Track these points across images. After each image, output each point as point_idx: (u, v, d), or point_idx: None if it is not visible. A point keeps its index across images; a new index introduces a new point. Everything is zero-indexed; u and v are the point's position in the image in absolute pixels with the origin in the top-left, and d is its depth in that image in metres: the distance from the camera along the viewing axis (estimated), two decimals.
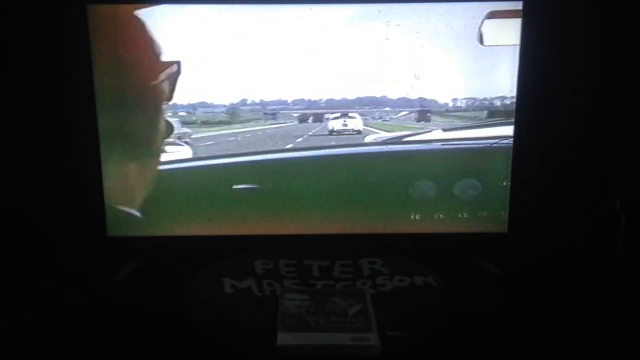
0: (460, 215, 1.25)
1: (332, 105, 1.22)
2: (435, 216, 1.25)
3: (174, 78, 1.17)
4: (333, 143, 1.24)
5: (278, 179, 1.24)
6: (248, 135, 1.23)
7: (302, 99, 1.21)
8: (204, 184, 1.23)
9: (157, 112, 1.19)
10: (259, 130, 1.23)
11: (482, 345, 1.01)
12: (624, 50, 1.22)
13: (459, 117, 1.22)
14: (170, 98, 1.18)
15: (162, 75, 1.16)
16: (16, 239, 1.27)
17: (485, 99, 1.20)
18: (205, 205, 1.24)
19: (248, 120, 1.22)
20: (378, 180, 1.24)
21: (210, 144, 1.23)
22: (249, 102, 1.21)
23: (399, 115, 1.22)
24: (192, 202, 1.23)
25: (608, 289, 0.99)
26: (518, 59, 1.16)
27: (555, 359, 1.01)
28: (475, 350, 0.99)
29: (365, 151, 1.26)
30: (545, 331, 1.05)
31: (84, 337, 1.03)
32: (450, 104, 1.21)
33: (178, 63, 1.16)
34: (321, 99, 1.21)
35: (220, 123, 1.22)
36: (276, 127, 1.23)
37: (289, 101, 1.21)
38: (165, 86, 1.17)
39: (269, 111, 1.21)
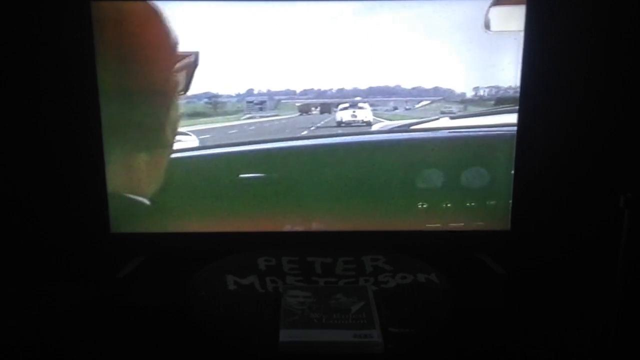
0: (460, 222, 1.24)
1: (344, 95, 1.17)
2: (443, 205, 1.24)
3: (188, 69, 1.15)
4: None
5: (284, 168, 1.23)
6: (228, 133, 1.18)
7: (312, 89, 1.17)
8: (209, 175, 1.23)
9: (165, 102, 1.18)
10: (248, 124, 1.18)
11: (483, 342, 1.01)
12: (630, 42, 1.22)
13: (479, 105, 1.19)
14: (185, 89, 1.16)
15: (175, 66, 1.15)
16: (18, 236, 1.28)
17: (509, 87, 1.18)
18: (209, 199, 1.23)
19: (236, 112, 1.17)
20: (385, 169, 1.23)
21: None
22: (255, 92, 1.18)
23: (418, 105, 1.18)
24: (196, 193, 1.23)
25: (612, 287, 0.99)
26: (522, 45, 1.15)
27: (555, 358, 1.01)
28: (477, 348, 1.00)
29: (372, 139, 1.22)
30: (546, 329, 1.05)
31: (87, 334, 1.03)
32: (471, 93, 1.18)
33: (196, 54, 1.14)
34: (331, 89, 1.17)
35: (197, 115, 1.17)
36: (272, 120, 1.18)
37: (297, 91, 1.18)
38: (177, 77, 1.16)
39: (256, 100, 1.16)
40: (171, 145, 1.20)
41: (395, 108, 1.19)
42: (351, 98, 1.19)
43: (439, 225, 1.25)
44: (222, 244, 1.22)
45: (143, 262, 1.23)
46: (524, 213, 1.23)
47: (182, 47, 1.15)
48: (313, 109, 1.19)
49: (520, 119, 1.18)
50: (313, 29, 1.16)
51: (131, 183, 1.21)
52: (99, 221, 1.21)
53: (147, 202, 1.22)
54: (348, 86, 1.18)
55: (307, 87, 1.18)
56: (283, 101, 1.18)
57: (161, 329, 1.03)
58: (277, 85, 1.18)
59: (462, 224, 1.25)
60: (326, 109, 1.19)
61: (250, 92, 1.18)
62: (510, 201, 1.23)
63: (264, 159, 1.22)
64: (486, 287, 1.16)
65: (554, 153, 1.26)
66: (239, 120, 1.20)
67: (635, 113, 1.25)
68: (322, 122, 1.20)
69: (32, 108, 1.24)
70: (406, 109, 1.19)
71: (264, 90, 1.18)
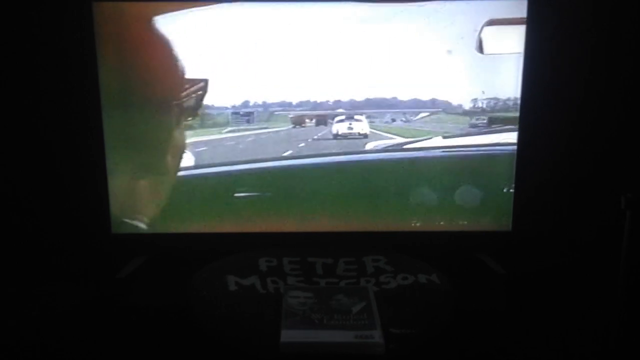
0: (461, 222, 1.24)
1: (341, 107, 1.14)
2: (436, 223, 1.24)
3: (197, 95, 1.13)
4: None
5: (279, 186, 1.22)
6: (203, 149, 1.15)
7: (308, 101, 1.14)
8: (207, 191, 1.22)
9: (167, 119, 1.16)
10: (231, 139, 1.15)
11: (485, 343, 1.01)
12: (628, 52, 1.22)
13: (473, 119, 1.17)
14: (193, 115, 1.13)
15: (183, 92, 1.13)
16: (18, 236, 1.27)
17: (508, 99, 1.16)
18: (209, 206, 1.23)
19: (223, 125, 1.13)
20: (380, 188, 1.22)
21: None
22: (251, 104, 1.15)
23: (417, 117, 1.15)
24: (195, 206, 1.23)
25: (613, 287, 0.99)
26: (522, 65, 1.15)
27: (556, 359, 1.01)
28: (478, 348, 0.99)
29: (368, 158, 1.21)
30: (547, 330, 1.05)
31: (87, 334, 1.03)
32: (470, 106, 1.16)
33: (205, 81, 1.11)
34: (328, 101, 1.14)
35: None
36: (259, 134, 1.13)
37: (293, 103, 1.15)
38: (183, 97, 1.14)
39: (242, 112, 1.12)
40: (166, 164, 1.19)
41: (394, 120, 1.17)
42: (349, 110, 1.16)
43: (440, 225, 1.26)
44: (223, 245, 1.22)
45: (144, 263, 1.23)
46: (525, 213, 1.23)
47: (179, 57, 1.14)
48: (307, 121, 1.16)
49: (521, 119, 1.18)
50: (310, 40, 1.14)
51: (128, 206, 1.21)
52: (100, 221, 1.21)
53: (143, 225, 1.22)
54: (345, 98, 1.16)
55: (304, 99, 1.16)
56: (276, 113, 1.15)
57: (162, 329, 1.03)
58: (273, 96, 1.16)
59: (464, 224, 1.25)
60: (322, 121, 1.16)
61: (245, 104, 1.16)
62: (512, 201, 1.23)
63: (259, 177, 1.21)
64: (487, 287, 1.15)
65: (555, 153, 1.26)
66: (220, 134, 1.16)
67: (636, 114, 1.25)
68: (318, 135, 1.17)
69: (32, 108, 1.24)
70: (403, 121, 1.17)
71: (260, 102, 1.16)
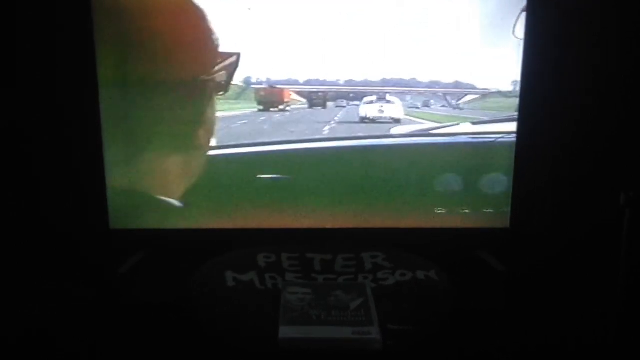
0: (485, 210, 1.21)
1: (349, 86, 1.02)
2: (460, 210, 1.21)
3: (228, 70, 1.05)
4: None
5: (292, 170, 1.18)
6: None
7: (317, 79, 1.02)
8: (208, 174, 1.21)
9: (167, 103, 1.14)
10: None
11: (483, 340, 1.01)
12: (632, 44, 1.21)
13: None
14: (225, 89, 1.03)
15: (215, 67, 1.06)
16: (17, 232, 1.27)
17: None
18: (207, 196, 1.22)
19: None
20: (397, 173, 1.18)
21: None
22: (253, 80, 1.03)
23: (462, 101, 1.04)
24: (195, 192, 1.22)
25: (613, 286, 0.99)
26: (522, 52, 1.14)
27: (557, 357, 1.01)
28: (476, 346, 0.99)
29: (386, 144, 1.12)
30: (547, 328, 1.05)
31: (87, 333, 1.03)
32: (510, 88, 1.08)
33: (238, 55, 1.00)
34: (338, 80, 1.01)
35: None
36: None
37: (300, 80, 1.02)
38: (215, 76, 1.06)
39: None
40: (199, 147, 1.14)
41: (427, 105, 1.06)
42: (348, 89, 1.05)
43: (439, 223, 1.25)
44: (222, 241, 1.22)
45: (142, 259, 1.23)
46: (524, 210, 1.23)
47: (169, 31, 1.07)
48: (288, 102, 1.02)
49: (521, 116, 1.18)
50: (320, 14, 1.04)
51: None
52: (98, 217, 1.20)
53: (176, 203, 1.17)
54: (358, 77, 1.05)
55: (312, 77, 1.03)
56: (252, 87, 1.02)
57: (160, 325, 1.03)
58: (278, 73, 1.03)
59: (462, 221, 1.25)
60: (319, 102, 1.03)
61: (247, 80, 1.06)
62: (510, 198, 1.22)
63: (271, 160, 1.18)
64: (486, 284, 1.15)
65: (554, 149, 1.26)
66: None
67: (638, 111, 1.24)
68: (337, 118, 1.09)
69: (29, 100, 1.23)
70: (445, 107, 1.06)
71: (263, 78, 1.05)
